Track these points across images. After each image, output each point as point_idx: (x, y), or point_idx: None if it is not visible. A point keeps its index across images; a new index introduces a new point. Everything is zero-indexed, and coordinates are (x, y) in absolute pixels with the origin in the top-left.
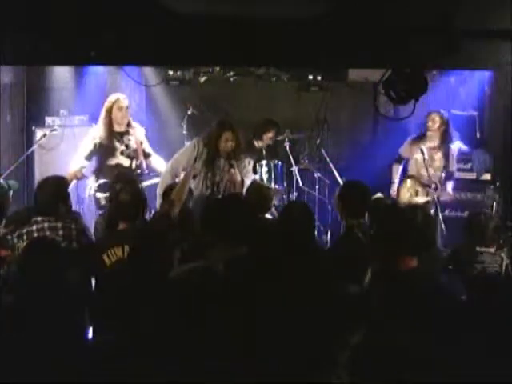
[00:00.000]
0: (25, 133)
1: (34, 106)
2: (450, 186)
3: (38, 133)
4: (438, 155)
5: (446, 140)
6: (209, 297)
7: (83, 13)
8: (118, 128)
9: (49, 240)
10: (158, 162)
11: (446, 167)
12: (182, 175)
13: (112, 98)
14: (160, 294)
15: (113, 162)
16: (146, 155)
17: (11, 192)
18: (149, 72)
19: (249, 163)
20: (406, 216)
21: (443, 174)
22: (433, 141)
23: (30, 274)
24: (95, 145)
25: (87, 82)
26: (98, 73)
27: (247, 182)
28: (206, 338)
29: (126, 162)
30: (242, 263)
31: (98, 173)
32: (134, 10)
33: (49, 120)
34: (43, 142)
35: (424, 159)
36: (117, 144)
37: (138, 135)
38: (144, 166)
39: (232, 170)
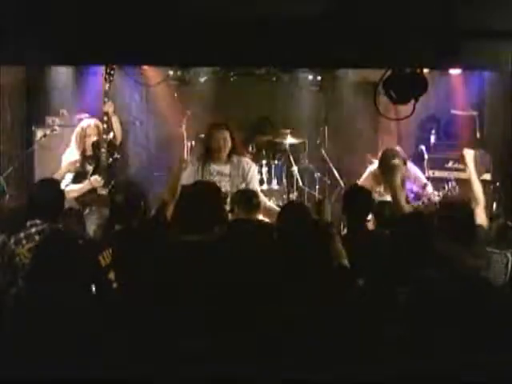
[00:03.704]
0: (25, 133)
1: (34, 106)
2: None
3: (38, 133)
4: None
5: None
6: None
7: (83, 13)
8: (90, 152)
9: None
10: None
11: None
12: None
13: (84, 123)
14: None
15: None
16: None
17: None
18: (149, 72)
19: (248, 165)
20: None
21: None
22: None
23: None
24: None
25: (87, 81)
26: (98, 73)
27: (253, 185)
28: None
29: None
30: None
31: None
32: (134, 10)
33: (49, 120)
34: (43, 142)
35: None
36: (88, 167)
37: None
38: None
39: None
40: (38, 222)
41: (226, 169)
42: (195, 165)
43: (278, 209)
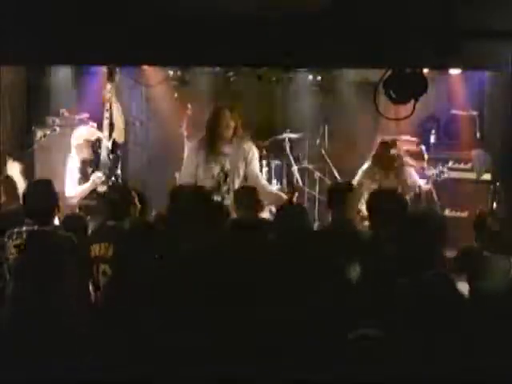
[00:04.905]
0: (25, 133)
1: (34, 106)
2: None
3: (38, 133)
4: None
5: None
6: None
7: (83, 13)
8: (88, 156)
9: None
10: None
11: None
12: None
13: (80, 132)
14: None
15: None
16: None
17: None
18: (149, 72)
19: (248, 146)
20: None
21: None
22: None
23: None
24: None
25: (87, 82)
26: (98, 73)
27: (254, 171)
28: None
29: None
30: None
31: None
32: (134, 10)
33: (49, 120)
34: (43, 142)
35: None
36: (89, 170)
37: None
38: None
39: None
40: (30, 221)
41: (228, 149)
42: (196, 148)
43: (279, 192)
